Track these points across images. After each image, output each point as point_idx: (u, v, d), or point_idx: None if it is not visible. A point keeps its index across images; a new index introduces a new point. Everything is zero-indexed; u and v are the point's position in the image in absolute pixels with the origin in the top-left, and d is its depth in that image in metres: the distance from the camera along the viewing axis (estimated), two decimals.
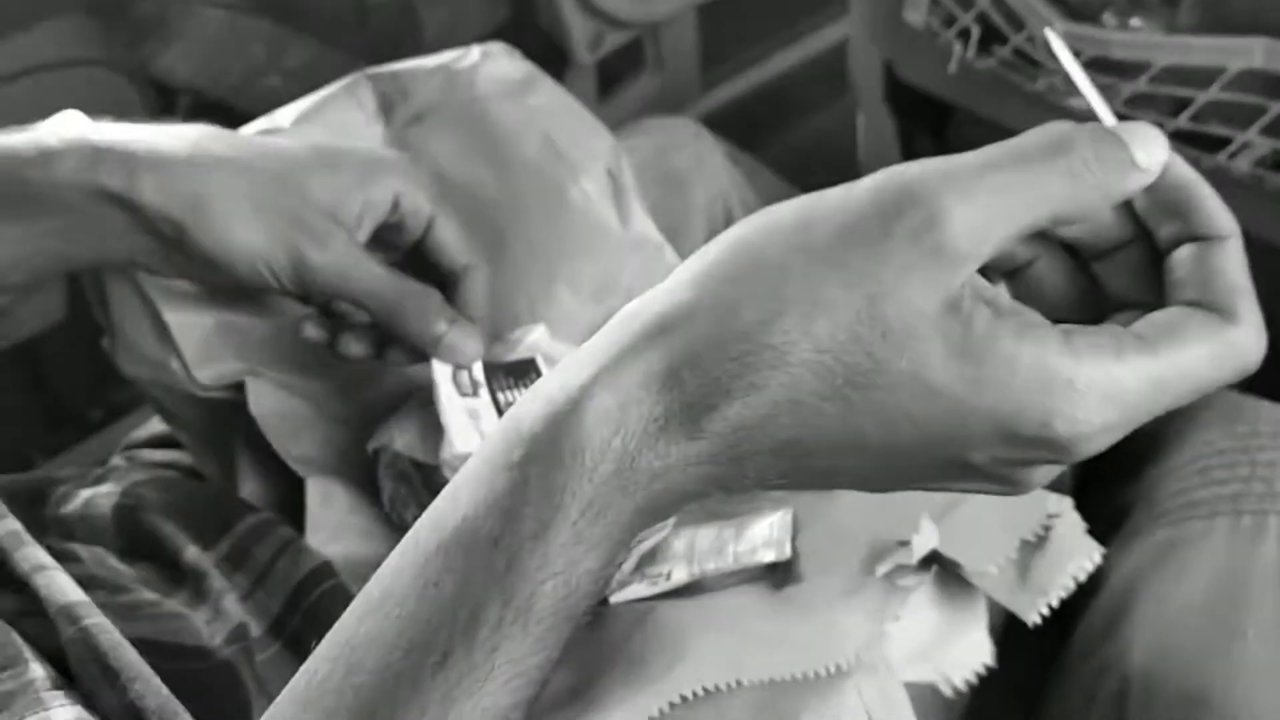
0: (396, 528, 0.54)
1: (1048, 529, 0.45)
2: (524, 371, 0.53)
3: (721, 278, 0.29)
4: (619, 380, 0.29)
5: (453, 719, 0.29)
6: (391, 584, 0.31)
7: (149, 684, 0.39)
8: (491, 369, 0.52)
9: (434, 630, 0.29)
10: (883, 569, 0.44)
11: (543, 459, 0.29)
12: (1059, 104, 0.83)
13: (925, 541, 0.44)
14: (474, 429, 0.50)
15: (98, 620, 0.41)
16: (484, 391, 0.52)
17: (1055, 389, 0.27)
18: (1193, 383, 0.29)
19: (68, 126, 0.49)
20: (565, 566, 0.29)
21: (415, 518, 0.51)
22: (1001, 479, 0.30)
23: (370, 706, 0.29)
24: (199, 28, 1.03)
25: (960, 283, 0.28)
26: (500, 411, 0.51)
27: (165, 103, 1.06)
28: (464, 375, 0.52)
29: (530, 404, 0.30)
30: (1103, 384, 0.28)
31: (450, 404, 0.50)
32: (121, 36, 1.01)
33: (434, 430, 0.51)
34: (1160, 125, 0.75)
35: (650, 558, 0.53)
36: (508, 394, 0.52)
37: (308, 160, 0.50)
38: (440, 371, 0.51)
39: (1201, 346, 0.29)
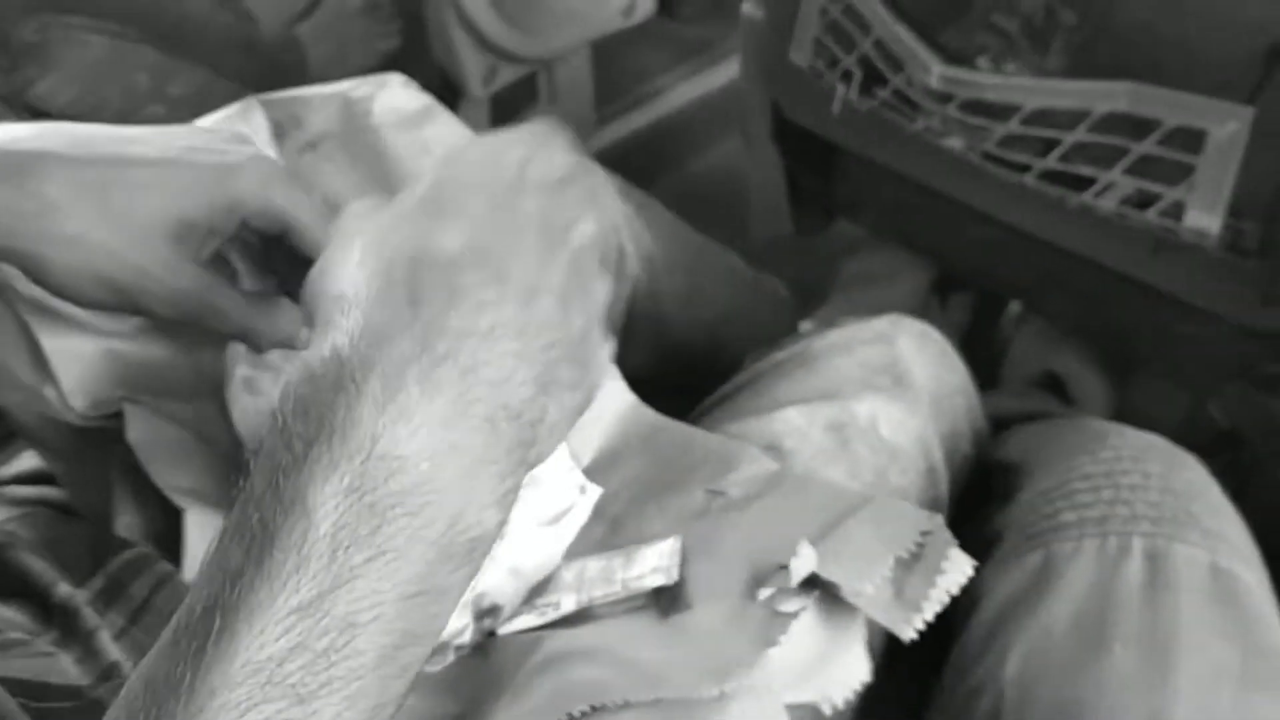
0: None
1: (921, 546, 0.46)
2: None
3: None
4: None
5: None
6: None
7: None
8: None
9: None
10: (764, 594, 0.45)
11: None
12: (935, 144, 0.86)
13: (804, 565, 0.45)
14: None
15: None
16: None
17: None
18: None
19: None
20: None
21: None
22: None
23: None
24: (80, 55, 1.01)
25: None
26: None
27: None
28: None
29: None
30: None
31: None
32: None
33: None
34: (1030, 165, 0.79)
35: (540, 589, 0.53)
36: None
37: (151, 194, 0.46)
38: None
39: None
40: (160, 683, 0.29)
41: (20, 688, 0.41)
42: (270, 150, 0.60)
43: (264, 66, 1.09)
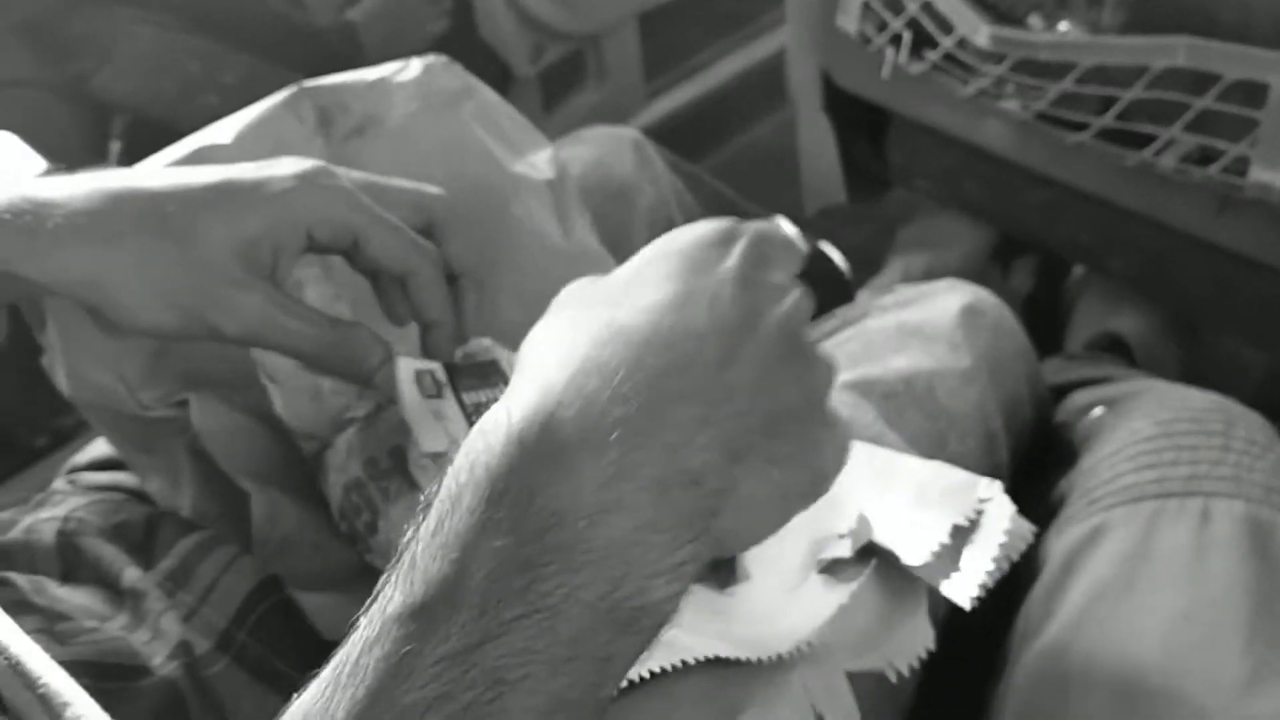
0: (346, 538, 0.53)
1: (980, 513, 0.45)
2: (488, 373, 0.53)
3: None
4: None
5: None
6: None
7: (82, 707, 0.39)
8: (455, 370, 0.52)
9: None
10: (822, 563, 0.44)
11: None
12: (989, 106, 0.84)
13: (861, 533, 0.44)
14: (441, 429, 0.50)
15: (25, 647, 0.40)
16: (448, 392, 0.51)
17: None
18: None
19: None
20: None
21: (366, 526, 0.51)
22: None
23: None
24: (132, 45, 1.03)
25: None
26: (466, 412, 0.51)
27: (100, 121, 1.05)
28: (427, 377, 0.51)
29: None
30: None
31: (415, 405, 0.50)
32: (52, 56, 1.00)
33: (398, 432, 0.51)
34: (1088, 124, 0.77)
35: None
36: (473, 394, 0.52)
37: (206, 217, 0.46)
38: (405, 372, 0.51)
39: None
40: (313, 714, 0.30)
41: (90, 669, 0.42)
42: (317, 139, 0.61)
43: (317, 52, 1.09)
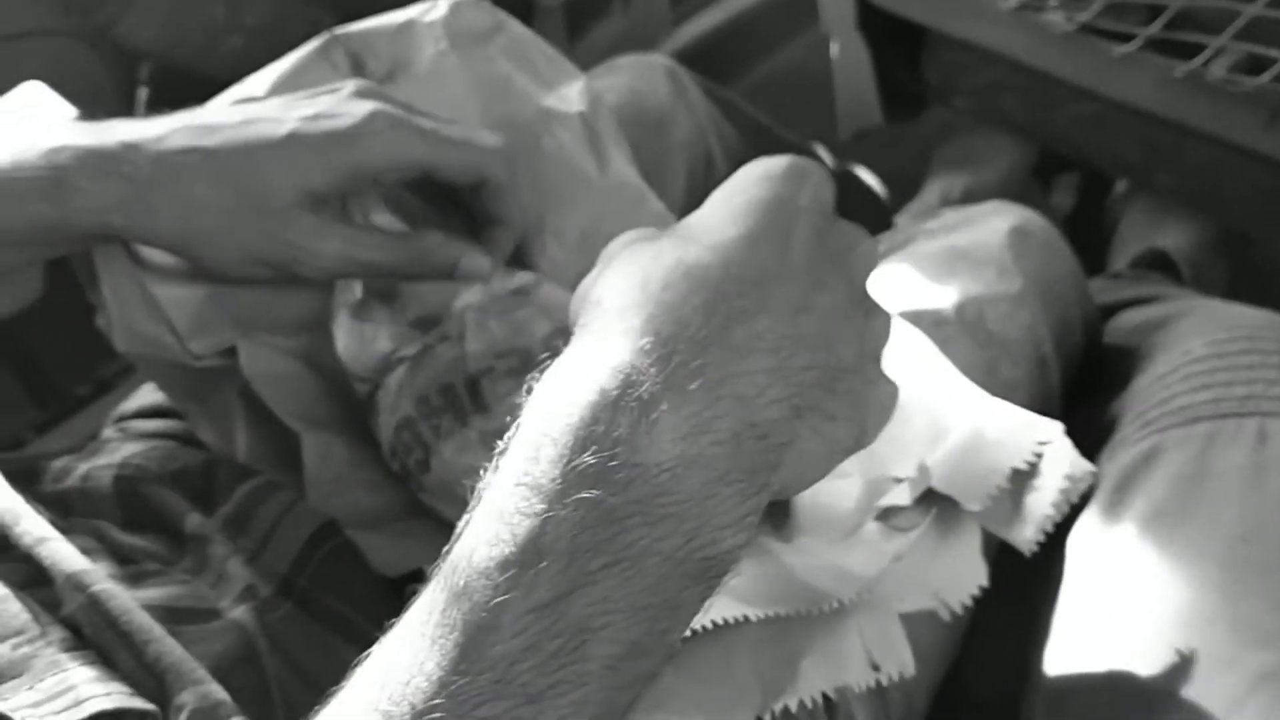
0: (398, 476, 0.54)
1: (1039, 455, 0.44)
2: (508, 306, 0.54)
3: None
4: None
5: None
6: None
7: (164, 643, 0.40)
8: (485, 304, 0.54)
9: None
10: (879, 507, 0.44)
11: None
12: (1030, 18, 0.82)
13: (920, 480, 0.44)
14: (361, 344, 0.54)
15: (105, 586, 0.41)
16: (384, 321, 0.55)
17: None
18: None
19: (52, 135, 0.49)
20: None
21: (418, 464, 0.52)
22: None
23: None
24: None
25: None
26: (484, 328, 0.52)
27: (127, 68, 1.04)
28: (373, 301, 0.55)
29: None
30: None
31: (345, 322, 0.54)
32: (78, 5, 0.99)
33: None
34: (1135, 34, 0.75)
35: None
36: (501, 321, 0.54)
37: (281, 171, 0.49)
38: (343, 296, 0.54)
39: None
40: (399, 667, 0.30)
41: (160, 613, 0.43)
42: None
43: None
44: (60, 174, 0.48)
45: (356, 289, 0.55)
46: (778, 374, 0.33)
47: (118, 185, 0.48)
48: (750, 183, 0.37)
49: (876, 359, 0.37)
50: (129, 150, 0.48)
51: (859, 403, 0.36)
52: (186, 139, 0.49)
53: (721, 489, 0.32)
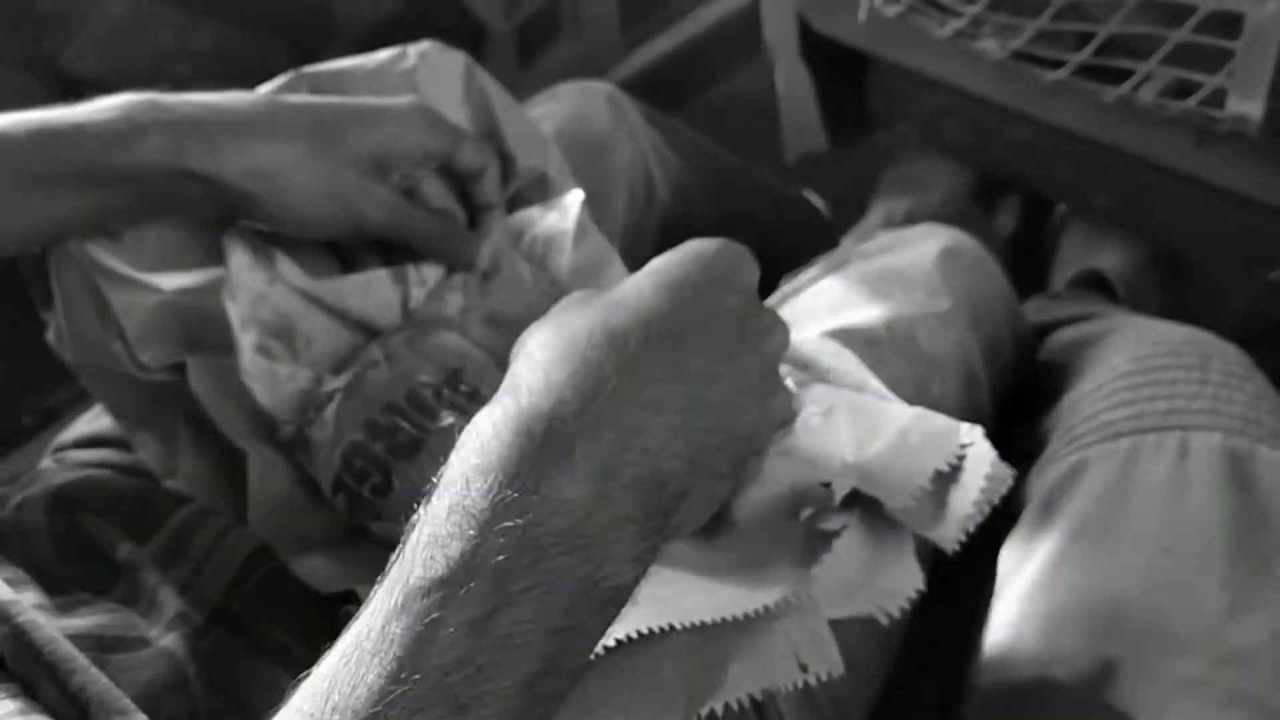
0: (347, 511, 0.54)
1: (961, 458, 0.46)
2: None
3: None
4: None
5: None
6: None
7: (88, 674, 0.40)
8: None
9: None
10: (806, 513, 0.45)
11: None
12: (966, 46, 0.84)
13: (844, 482, 0.45)
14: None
15: (30, 617, 0.41)
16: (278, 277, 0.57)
17: None
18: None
19: (127, 97, 0.53)
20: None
21: (375, 489, 0.52)
22: None
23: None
24: (102, 18, 1.01)
25: None
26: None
27: (73, 97, 1.04)
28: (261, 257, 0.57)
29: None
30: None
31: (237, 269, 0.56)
32: (22, 33, 0.99)
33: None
34: (1065, 61, 0.77)
35: None
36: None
37: (350, 127, 0.56)
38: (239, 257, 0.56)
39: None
40: (341, 680, 0.32)
41: (89, 642, 0.42)
42: None
43: (288, 11, 1.08)
44: (132, 119, 0.51)
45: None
46: (681, 432, 0.37)
47: (186, 129, 0.52)
48: (685, 259, 0.41)
49: (771, 433, 0.43)
50: (194, 104, 0.53)
51: (740, 470, 0.41)
52: (262, 96, 0.56)
53: (627, 527, 0.35)
